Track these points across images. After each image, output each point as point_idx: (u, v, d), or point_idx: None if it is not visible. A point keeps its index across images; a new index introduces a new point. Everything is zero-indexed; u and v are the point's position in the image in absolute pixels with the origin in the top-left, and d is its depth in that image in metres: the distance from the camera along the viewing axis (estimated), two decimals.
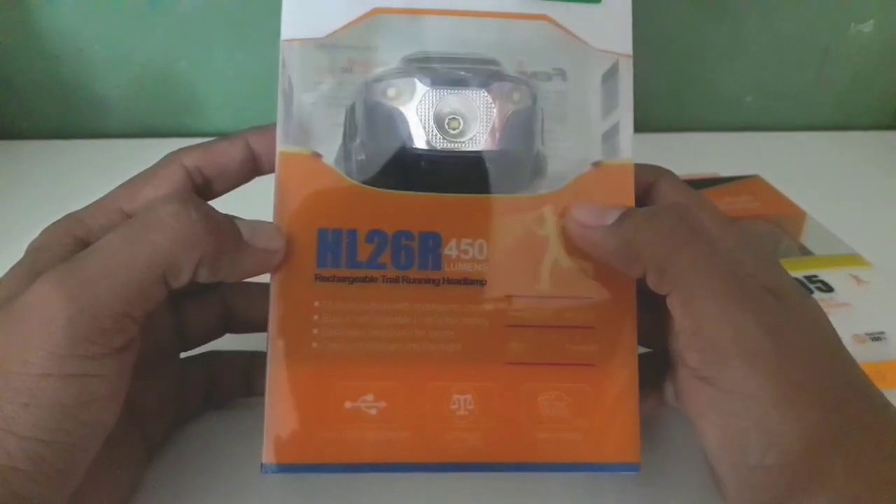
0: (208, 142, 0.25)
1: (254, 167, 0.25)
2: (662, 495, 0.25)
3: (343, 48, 0.25)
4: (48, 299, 0.19)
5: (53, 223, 0.24)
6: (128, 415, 0.24)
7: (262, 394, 0.23)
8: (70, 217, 0.24)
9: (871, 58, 0.54)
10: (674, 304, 0.21)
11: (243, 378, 0.28)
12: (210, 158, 0.25)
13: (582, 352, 0.24)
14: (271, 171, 0.24)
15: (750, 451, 0.20)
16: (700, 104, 0.57)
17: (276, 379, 0.23)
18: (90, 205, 0.25)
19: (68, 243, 0.23)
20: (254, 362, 0.28)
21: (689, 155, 0.51)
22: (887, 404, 0.21)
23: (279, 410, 0.23)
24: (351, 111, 0.25)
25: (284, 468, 0.23)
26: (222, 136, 0.26)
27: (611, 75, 0.25)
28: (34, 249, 0.23)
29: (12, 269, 0.22)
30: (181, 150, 0.25)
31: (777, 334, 0.20)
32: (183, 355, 0.28)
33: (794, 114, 0.57)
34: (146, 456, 0.26)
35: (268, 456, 0.23)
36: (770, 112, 0.57)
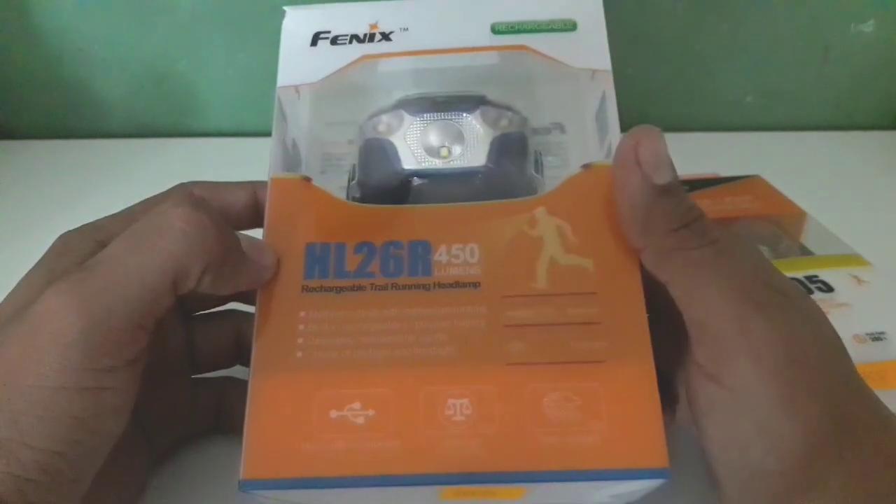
0: (216, 181, 0.26)
1: (255, 216, 0.26)
2: None
3: (337, 93, 0.26)
4: (60, 311, 0.19)
5: (74, 229, 0.24)
6: (134, 424, 0.24)
7: None
8: (90, 223, 0.24)
9: (871, 58, 0.54)
10: (678, 294, 0.21)
11: None
12: (216, 194, 0.26)
13: (589, 349, 0.22)
14: None
15: (750, 454, 0.20)
16: (700, 104, 0.57)
17: (258, 390, 0.22)
18: (108, 216, 0.25)
19: (90, 247, 0.23)
20: None
21: (689, 155, 0.51)
22: (884, 408, 0.21)
23: (260, 422, 0.21)
24: (352, 168, 0.26)
25: (264, 484, 0.21)
26: (231, 181, 0.26)
27: (601, 109, 0.26)
28: (52, 252, 0.23)
29: (31, 272, 0.22)
30: (191, 182, 0.26)
31: (784, 332, 0.20)
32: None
33: (794, 114, 0.57)
34: (150, 465, 0.26)
35: (246, 471, 0.21)
36: (770, 112, 0.57)
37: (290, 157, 0.26)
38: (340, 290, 0.23)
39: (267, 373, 0.22)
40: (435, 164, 0.25)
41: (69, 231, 0.24)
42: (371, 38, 0.27)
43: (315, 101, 0.27)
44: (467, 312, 0.23)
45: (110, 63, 0.53)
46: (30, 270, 0.22)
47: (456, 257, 0.23)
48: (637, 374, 0.22)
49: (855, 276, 0.36)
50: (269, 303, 0.23)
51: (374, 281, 0.23)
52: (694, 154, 0.52)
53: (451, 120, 0.26)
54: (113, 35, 0.51)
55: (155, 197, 0.25)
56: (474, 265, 0.23)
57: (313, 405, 0.22)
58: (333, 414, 0.21)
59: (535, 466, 0.21)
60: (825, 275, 0.36)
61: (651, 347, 0.22)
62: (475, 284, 0.23)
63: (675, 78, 0.55)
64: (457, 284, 0.23)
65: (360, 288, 0.23)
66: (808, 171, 0.49)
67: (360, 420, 0.21)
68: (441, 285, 0.23)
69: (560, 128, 0.26)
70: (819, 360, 0.20)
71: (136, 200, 0.26)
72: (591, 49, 0.26)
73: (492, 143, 0.25)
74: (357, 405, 0.22)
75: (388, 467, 0.21)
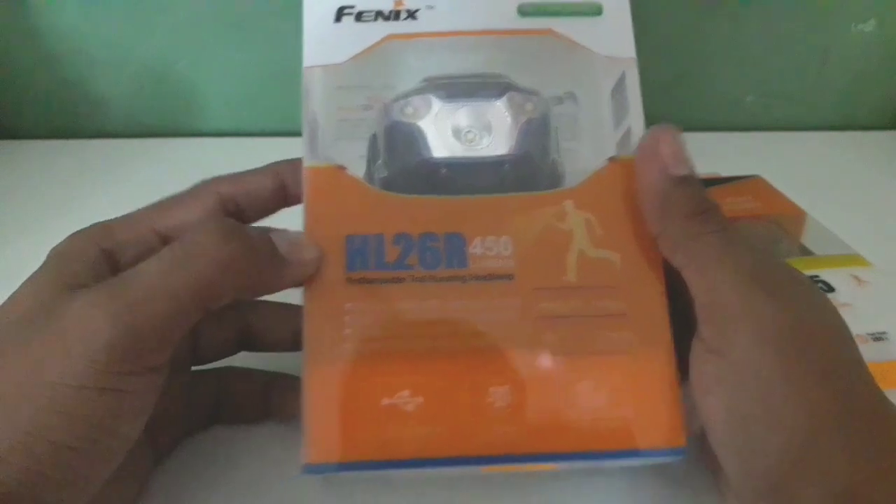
0: (239, 172, 0.26)
1: (283, 197, 0.26)
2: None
3: (361, 73, 0.26)
4: (91, 318, 0.19)
5: (82, 230, 0.24)
6: None
7: (280, 417, 0.24)
8: (100, 226, 0.24)
9: (871, 58, 0.54)
10: (690, 276, 0.22)
11: (262, 399, 0.28)
12: (242, 188, 0.26)
13: (616, 339, 0.24)
14: (298, 201, 0.25)
15: (752, 431, 0.20)
16: (700, 104, 0.57)
17: (312, 380, 0.23)
18: (121, 217, 0.24)
19: (94, 255, 0.23)
20: (275, 384, 0.28)
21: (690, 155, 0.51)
22: (884, 394, 0.20)
23: (317, 411, 0.23)
24: (373, 139, 0.26)
25: (327, 468, 0.22)
26: (253, 169, 0.26)
27: (619, 88, 0.26)
28: (58, 255, 0.23)
29: (36, 275, 0.22)
30: (214, 178, 0.26)
31: (789, 311, 0.20)
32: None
33: (794, 114, 0.57)
34: (153, 465, 0.26)
35: (309, 456, 0.22)
36: (771, 112, 0.57)
37: (311, 123, 0.26)
38: (382, 281, 0.24)
39: (320, 363, 0.23)
40: (464, 151, 0.26)
41: (76, 233, 0.24)
42: (396, 15, 0.27)
43: (326, 67, 0.27)
44: (503, 304, 0.24)
45: (110, 63, 0.53)
46: (36, 272, 0.22)
47: (490, 249, 0.24)
48: (658, 364, 0.24)
49: (855, 277, 0.36)
50: (315, 295, 0.24)
51: (413, 273, 0.24)
52: (694, 154, 0.52)
53: (479, 107, 0.26)
54: (113, 35, 0.51)
55: (172, 197, 0.25)
56: (508, 258, 0.24)
57: (365, 394, 0.23)
58: (385, 401, 0.23)
59: (568, 448, 0.23)
60: (826, 275, 0.36)
61: (671, 338, 0.24)
62: (509, 276, 0.24)
63: (676, 78, 0.55)
64: (491, 276, 0.24)
65: (401, 280, 0.24)
66: (808, 171, 0.49)
67: (410, 407, 0.23)
68: (477, 277, 0.24)
69: (572, 97, 0.27)
70: (823, 341, 0.20)
71: (136, 200, 0.25)
72: (616, 36, 0.27)
73: (519, 131, 0.26)
74: (406, 393, 0.23)
75: (438, 451, 0.23)
